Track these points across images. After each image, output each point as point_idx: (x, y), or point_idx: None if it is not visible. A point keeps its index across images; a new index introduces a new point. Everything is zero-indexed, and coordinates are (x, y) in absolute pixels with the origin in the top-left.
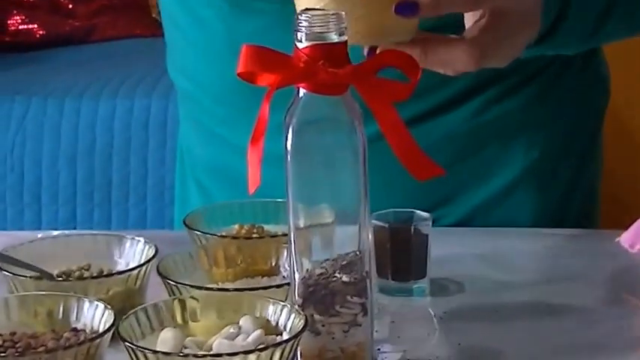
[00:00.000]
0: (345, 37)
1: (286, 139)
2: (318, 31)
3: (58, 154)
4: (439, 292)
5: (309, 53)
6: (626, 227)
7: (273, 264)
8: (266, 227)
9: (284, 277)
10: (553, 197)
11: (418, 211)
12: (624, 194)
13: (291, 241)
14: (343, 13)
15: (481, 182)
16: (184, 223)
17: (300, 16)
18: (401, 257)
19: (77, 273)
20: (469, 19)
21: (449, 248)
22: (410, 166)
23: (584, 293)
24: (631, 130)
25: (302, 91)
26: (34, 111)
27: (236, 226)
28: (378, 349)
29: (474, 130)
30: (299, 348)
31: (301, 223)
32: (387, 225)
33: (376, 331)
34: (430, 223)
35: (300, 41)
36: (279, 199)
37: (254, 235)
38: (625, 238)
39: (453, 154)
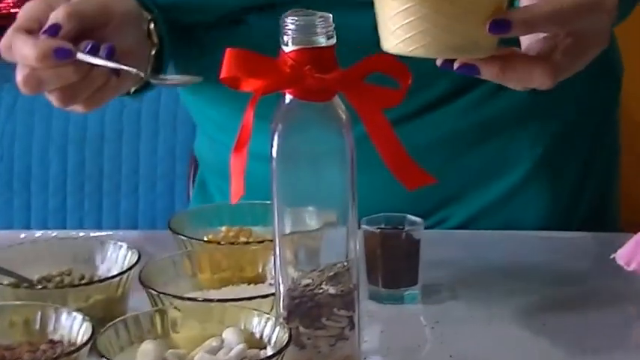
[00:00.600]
0: (333, 41)
1: (272, 145)
2: (306, 34)
3: (48, 143)
4: (431, 300)
5: (295, 57)
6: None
7: (260, 270)
8: (254, 229)
9: (270, 284)
10: (561, 196)
11: (410, 216)
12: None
13: (276, 251)
14: (331, 15)
15: (485, 182)
16: (169, 226)
17: (286, 19)
18: (392, 263)
19: (57, 278)
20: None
21: (444, 252)
22: (399, 175)
23: (582, 302)
24: None
25: (288, 97)
26: (23, 99)
27: (223, 229)
28: None
29: (471, 128)
30: None
31: (287, 231)
32: (377, 230)
33: (365, 341)
34: (422, 228)
35: (287, 45)
36: (268, 202)
37: (241, 239)
38: (621, 254)
39: (450, 153)
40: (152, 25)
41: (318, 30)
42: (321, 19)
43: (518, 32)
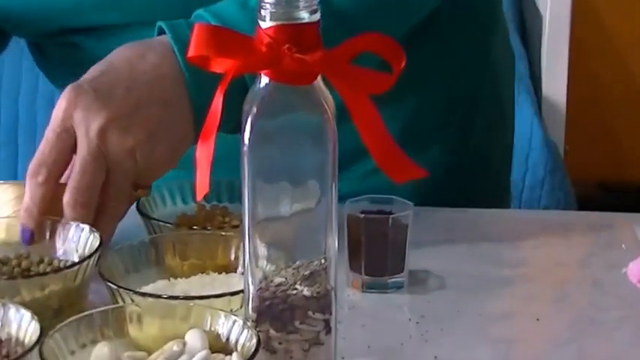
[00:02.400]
0: (316, 17)
1: (244, 130)
2: (285, 8)
3: (36, 93)
4: (417, 289)
5: (273, 35)
6: None
7: (232, 258)
8: (230, 207)
9: (242, 273)
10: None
11: (398, 198)
12: None
13: (245, 247)
14: None
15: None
16: (137, 208)
17: None
18: (376, 250)
19: (14, 261)
20: None
21: (428, 232)
22: (386, 167)
23: (577, 291)
24: None
25: (264, 79)
26: (11, 49)
27: (196, 207)
28: None
29: None
30: None
31: (258, 221)
32: (361, 215)
33: (343, 338)
34: (411, 213)
35: (264, 20)
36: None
37: (217, 217)
38: (633, 271)
39: None
40: None
41: (300, 4)
42: None
43: None
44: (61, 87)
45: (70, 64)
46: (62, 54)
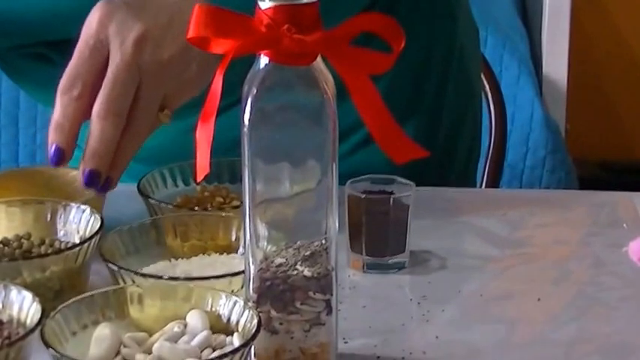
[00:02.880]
0: None
1: (244, 111)
2: None
3: None
4: (419, 269)
5: (272, 15)
6: None
7: (233, 239)
8: (232, 187)
9: (243, 254)
10: None
11: (400, 178)
12: None
13: (246, 228)
14: None
15: None
16: (138, 188)
17: None
18: (377, 231)
19: (15, 243)
20: None
21: (430, 212)
22: (387, 147)
23: (578, 270)
24: None
25: (263, 60)
26: None
27: (198, 188)
28: (346, 342)
29: None
30: (253, 347)
31: (259, 201)
32: (362, 195)
33: (345, 319)
34: (412, 193)
35: (263, 0)
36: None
37: (217, 199)
38: (634, 249)
39: None
40: None
41: None
42: None
43: None
44: (39, 100)
45: (40, 78)
46: (31, 66)
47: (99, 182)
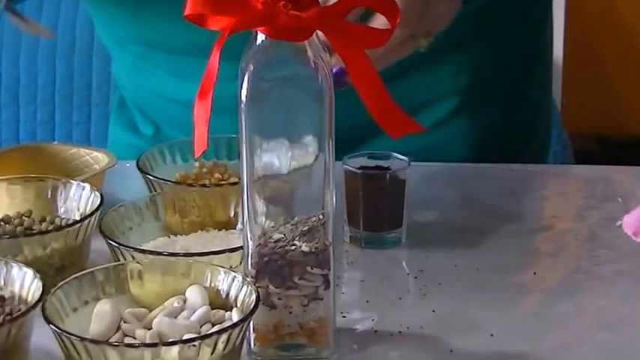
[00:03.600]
0: None
1: (241, 87)
2: None
3: (36, 53)
4: (416, 244)
5: None
6: None
7: (232, 215)
8: (230, 164)
9: (242, 229)
10: (490, 127)
11: (396, 154)
12: None
13: (244, 204)
14: None
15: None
16: (137, 165)
17: None
18: (374, 206)
19: (17, 220)
20: None
21: (428, 187)
22: (383, 122)
23: (573, 244)
24: None
25: (260, 36)
26: None
27: (197, 164)
28: (344, 316)
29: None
30: (252, 322)
31: (257, 177)
32: (359, 171)
33: (343, 293)
34: (408, 168)
35: None
36: None
37: (216, 175)
38: (628, 223)
39: None
40: None
41: None
42: None
43: None
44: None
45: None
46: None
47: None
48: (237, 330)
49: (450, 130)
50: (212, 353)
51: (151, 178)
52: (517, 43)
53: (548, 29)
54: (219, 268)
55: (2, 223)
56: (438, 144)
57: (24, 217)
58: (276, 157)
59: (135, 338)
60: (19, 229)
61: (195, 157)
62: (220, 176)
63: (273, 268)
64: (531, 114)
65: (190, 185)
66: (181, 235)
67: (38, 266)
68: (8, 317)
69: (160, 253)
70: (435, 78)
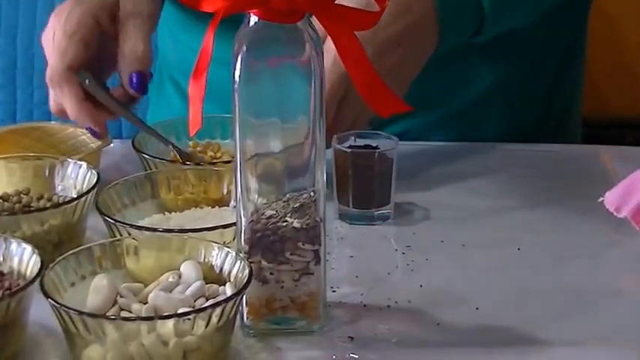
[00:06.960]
0: None
1: (234, 69)
2: None
3: (33, 35)
4: (403, 221)
5: None
6: None
7: (225, 192)
8: (223, 143)
9: (235, 206)
10: (526, 112)
11: (384, 134)
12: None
13: (237, 178)
14: None
15: (444, 98)
16: (132, 144)
17: None
18: (363, 183)
19: (15, 198)
20: None
21: (416, 166)
22: (372, 102)
23: (557, 221)
24: None
25: (253, 18)
26: None
27: (190, 143)
28: (334, 291)
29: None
30: (245, 296)
31: (250, 155)
32: (348, 150)
33: (333, 269)
34: (396, 147)
35: None
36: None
37: (209, 154)
38: (610, 199)
39: None
40: None
41: None
42: None
43: None
44: None
45: None
46: None
47: None
48: (230, 304)
49: (480, 113)
50: (206, 326)
51: (146, 156)
52: (557, 35)
53: (587, 28)
54: (213, 243)
55: (1, 200)
56: (474, 126)
57: (22, 195)
58: (269, 136)
59: (131, 312)
60: (17, 206)
61: (190, 135)
62: (213, 154)
63: (265, 244)
64: (566, 101)
65: (184, 164)
66: (176, 212)
67: (36, 242)
68: (7, 292)
69: (155, 230)
70: (473, 67)
